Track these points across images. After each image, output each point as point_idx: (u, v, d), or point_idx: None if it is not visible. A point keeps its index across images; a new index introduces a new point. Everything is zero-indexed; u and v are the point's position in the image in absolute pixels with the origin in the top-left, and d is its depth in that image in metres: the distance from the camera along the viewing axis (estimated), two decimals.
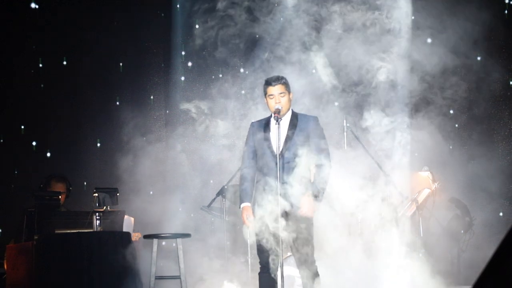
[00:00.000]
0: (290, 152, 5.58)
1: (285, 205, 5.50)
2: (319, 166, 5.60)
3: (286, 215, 5.53)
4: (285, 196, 5.51)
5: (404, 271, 6.73)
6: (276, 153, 5.51)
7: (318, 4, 6.58)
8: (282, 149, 5.56)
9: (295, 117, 5.71)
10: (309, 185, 5.62)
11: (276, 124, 5.49)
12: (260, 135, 5.69)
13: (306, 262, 5.57)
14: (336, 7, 6.62)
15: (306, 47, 6.53)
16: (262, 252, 5.60)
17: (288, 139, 5.61)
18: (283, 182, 5.51)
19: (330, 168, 5.66)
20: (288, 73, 6.24)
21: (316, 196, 5.56)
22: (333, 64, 6.65)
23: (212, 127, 8.29)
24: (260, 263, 5.66)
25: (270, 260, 5.57)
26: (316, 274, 5.62)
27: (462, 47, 9.31)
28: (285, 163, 5.56)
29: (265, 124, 5.73)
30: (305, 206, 5.53)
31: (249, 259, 7.32)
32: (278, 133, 5.50)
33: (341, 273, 6.70)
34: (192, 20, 9.46)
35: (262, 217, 5.59)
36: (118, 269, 6.51)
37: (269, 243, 5.55)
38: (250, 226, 5.62)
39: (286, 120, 5.68)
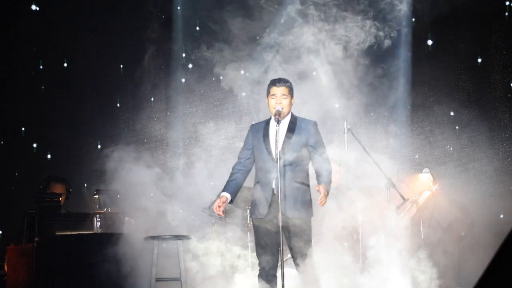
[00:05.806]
0: (288, 154, 5.57)
1: (282, 207, 5.50)
2: (321, 164, 5.59)
3: (284, 217, 5.53)
4: (283, 198, 5.50)
5: (406, 273, 6.72)
6: (274, 154, 5.51)
7: (319, 7, 6.58)
8: (280, 151, 5.54)
9: (294, 120, 5.71)
10: (306, 187, 5.62)
11: (276, 126, 5.48)
12: (259, 136, 5.69)
13: (306, 265, 5.56)
14: (336, 10, 6.62)
15: (307, 50, 6.52)
16: (261, 255, 5.60)
17: (286, 141, 5.59)
18: (281, 183, 5.50)
19: (331, 168, 5.66)
20: (289, 74, 6.23)
21: (327, 185, 5.53)
22: (333, 65, 6.65)
23: (213, 129, 8.29)
24: (259, 265, 5.65)
25: (269, 262, 5.57)
26: (316, 276, 5.61)
27: (463, 49, 9.32)
28: (284, 165, 5.55)
29: (264, 126, 5.73)
30: (324, 196, 5.47)
31: (249, 261, 7.32)
32: (277, 135, 5.50)
33: (342, 276, 6.69)
34: (193, 21, 9.47)
35: (260, 219, 5.59)
36: (118, 271, 6.52)
37: (267, 245, 5.55)
38: (221, 215, 5.69)
39: (285, 122, 5.68)
